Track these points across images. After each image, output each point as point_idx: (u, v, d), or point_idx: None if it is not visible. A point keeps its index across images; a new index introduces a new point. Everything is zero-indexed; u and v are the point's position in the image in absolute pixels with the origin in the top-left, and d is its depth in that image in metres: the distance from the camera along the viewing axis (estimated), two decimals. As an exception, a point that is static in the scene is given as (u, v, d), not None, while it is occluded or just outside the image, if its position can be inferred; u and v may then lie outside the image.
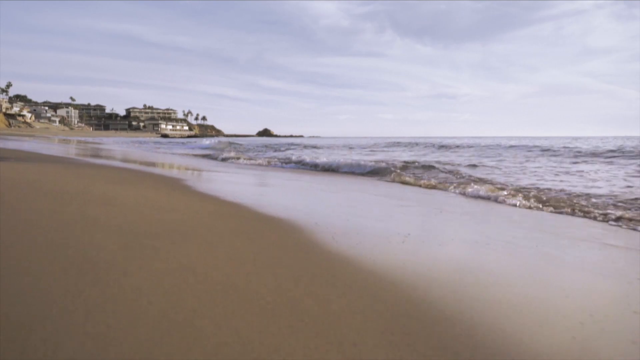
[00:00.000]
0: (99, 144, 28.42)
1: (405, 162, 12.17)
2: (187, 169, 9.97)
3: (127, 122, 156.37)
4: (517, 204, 5.49)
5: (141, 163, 10.43)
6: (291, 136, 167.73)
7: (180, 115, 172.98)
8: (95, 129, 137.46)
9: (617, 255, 2.99)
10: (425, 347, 1.36)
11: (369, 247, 2.74)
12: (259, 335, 1.32)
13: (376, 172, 10.35)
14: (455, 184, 7.52)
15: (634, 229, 4.02)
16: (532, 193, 6.38)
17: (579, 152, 17.13)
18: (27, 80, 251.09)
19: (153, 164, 10.49)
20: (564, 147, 20.48)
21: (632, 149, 16.92)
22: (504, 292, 1.99)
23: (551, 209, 5.15)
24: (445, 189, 7.00)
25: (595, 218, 4.58)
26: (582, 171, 10.81)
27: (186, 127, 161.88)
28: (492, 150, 20.97)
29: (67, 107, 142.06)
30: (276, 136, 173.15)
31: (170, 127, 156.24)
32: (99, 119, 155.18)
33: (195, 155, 18.13)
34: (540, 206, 5.33)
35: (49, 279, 1.60)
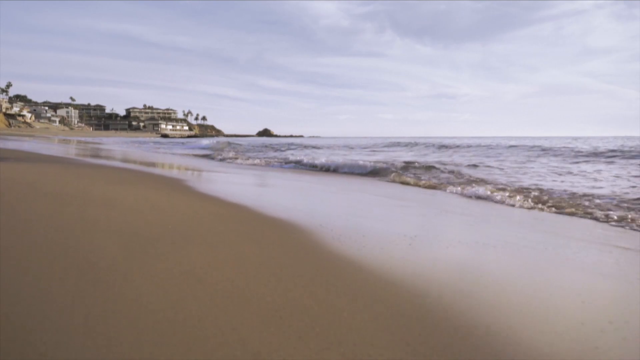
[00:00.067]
0: (98, 144, 28.35)
1: (405, 162, 12.11)
2: (186, 169, 9.92)
3: (127, 122, 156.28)
4: (521, 205, 5.43)
5: (141, 163, 10.37)
6: (291, 136, 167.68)
7: (180, 115, 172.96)
8: (95, 129, 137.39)
9: (630, 258, 2.93)
10: (444, 358, 1.31)
11: (376, 250, 2.67)
12: (266, 345, 1.26)
13: (377, 172, 10.29)
14: (456, 185, 7.47)
15: (644, 231, 3.97)
16: (535, 194, 6.33)
17: (580, 152, 17.07)
18: (27, 80, 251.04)
19: (153, 164, 10.44)
20: (565, 147, 20.43)
21: (631, 149, 16.86)
22: (520, 298, 1.93)
23: (555, 209, 5.10)
24: (447, 190, 6.94)
25: (599, 219, 4.53)
26: (585, 171, 10.76)
27: (186, 127, 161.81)
28: (493, 150, 20.91)
29: (67, 107, 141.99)
30: (276, 136, 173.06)
31: (170, 127, 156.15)
32: (99, 119, 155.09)
33: (195, 156, 18.07)
34: (544, 207, 5.28)
35: (48, 283, 1.53)
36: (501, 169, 11.47)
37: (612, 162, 13.44)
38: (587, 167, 11.98)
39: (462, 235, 3.45)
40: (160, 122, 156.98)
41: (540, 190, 6.79)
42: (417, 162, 12.32)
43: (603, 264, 2.71)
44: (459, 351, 1.34)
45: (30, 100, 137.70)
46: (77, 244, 2.07)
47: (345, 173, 10.84)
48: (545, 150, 18.76)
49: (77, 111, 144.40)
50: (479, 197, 6.12)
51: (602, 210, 5.05)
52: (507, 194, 6.31)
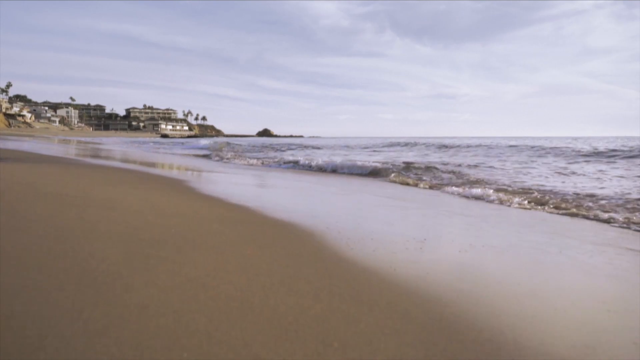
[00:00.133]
0: (98, 144, 28.28)
1: (406, 162, 12.05)
2: (186, 169, 9.85)
3: (127, 122, 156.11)
4: (524, 206, 5.38)
5: (141, 163, 10.31)
6: (291, 136, 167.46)
7: (180, 116, 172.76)
8: (95, 129, 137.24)
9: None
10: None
11: (387, 255, 2.59)
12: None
13: (377, 173, 10.22)
14: (458, 185, 7.41)
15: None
16: (538, 195, 6.27)
17: (581, 151, 17.02)
18: (27, 80, 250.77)
19: (153, 165, 10.38)
20: (566, 147, 20.37)
21: (631, 149, 16.79)
22: (542, 309, 1.83)
23: (560, 211, 5.04)
24: (449, 191, 6.88)
25: (604, 221, 4.48)
26: (587, 171, 10.70)
27: (186, 127, 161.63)
28: (494, 150, 20.86)
29: (67, 107, 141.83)
30: (276, 136, 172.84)
31: (170, 127, 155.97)
32: (99, 119, 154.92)
33: (195, 156, 18.01)
34: (549, 208, 5.22)
35: (47, 288, 1.44)
36: (503, 170, 11.41)
37: (614, 162, 13.39)
38: (589, 167, 11.92)
39: (472, 238, 3.37)
40: (160, 122, 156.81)
41: (544, 191, 6.72)
42: (418, 163, 12.26)
43: (621, 269, 2.61)
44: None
45: (30, 100, 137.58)
46: (77, 248, 1.99)
47: (345, 173, 10.77)
48: (546, 150, 18.71)
49: (77, 111, 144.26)
50: (482, 198, 6.06)
51: (607, 211, 5.00)
52: (510, 195, 6.26)
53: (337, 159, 15.11)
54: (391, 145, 30.72)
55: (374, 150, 24.64)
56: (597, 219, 4.61)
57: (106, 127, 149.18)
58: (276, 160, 14.83)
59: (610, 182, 8.50)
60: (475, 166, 12.19)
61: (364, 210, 4.74)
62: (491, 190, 6.53)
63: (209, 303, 1.50)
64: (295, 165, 12.75)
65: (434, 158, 16.60)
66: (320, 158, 14.56)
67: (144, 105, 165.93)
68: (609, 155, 15.37)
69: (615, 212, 4.97)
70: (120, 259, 1.90)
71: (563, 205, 5.38)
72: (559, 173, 10.38)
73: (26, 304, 1.35)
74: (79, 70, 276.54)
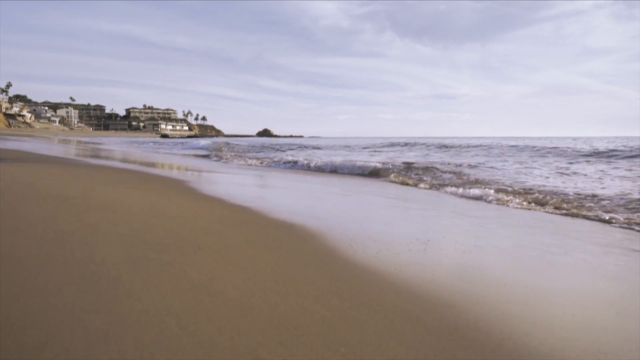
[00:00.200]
0: (98, 144, 28.23)
1: (407, 162, 12.01)
2: (187, 169, 9.82)
3: (127, 122, 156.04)
4: (526, 207, 5.35)
5: (141, 164, 10.28)
6: (291, 136, 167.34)
7: (180, 116, 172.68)
8: (95, 129, 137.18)
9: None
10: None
11: (391, 256, 2.55)
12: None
13: (377, 173, 10.19)
14: (459, 186, 7.38)
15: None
16: (540, 195, 6.25)
17: (581, 151, 16.98)
18: (27, 80, 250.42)
19: (153, 165, 10.35)
20: (568, 147, 20.34)
21: (632, 149, 16.75)
22: (551, 312, 1.79)
23: (562, 211, 5.02)
24: (450, 191, 6.85)
25: (606, 221, 4.45)
26: (589, 171, 10.67)
27: (186, 127, 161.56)
28: (494, 150, 20.81)
29: (67, 107, 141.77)
30: (276, 136, 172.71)
31: (170, 127, 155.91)
32: (99, 119, 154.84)
33: (194, 156, 17.99)
34: (551, 209, 5.19)
35: (43, 303, 1.41)
36: (503, 170, 11.37)
37: (615, 162, 13.35)
38: (590, 168, 11.89)
39: (475, 239, 3.34)
40: (160, 122, 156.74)
41: (545, 192, 6.69)
42: (419, 163, 12.23)
43: (628, 271, 2.58)
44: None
45: (30, 100, 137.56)
46: (77, 251, 1.96)
47: (345, 174, 10.74)
48: (547, 150, 18.67)
49: (77, 111, 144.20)
50: (483, 199, 6.02)
51: (609, 212, 4.98)
52: (511, 195, 6.23)
53: (338, 159, 15.08)
54: (391, 145, 30.66)
55: (375, 151, 24.59)
56: (599, 219, 4.58)
57: (106, 127, 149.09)
58: (275, 160, 14.79)
59: (612, 182, 8.47)
60: (476, 166, 12.15)
61: (365, 211, 4.71)
62: (492, 191, 6.50)
63: (213, 309, 1.46)
64: (294, 166, 12.71)
65: (435, 158, 16.56)
66: (320, 158, 14.53)
67: (144, 105, 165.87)
68: (610, 155, 15.33)
69: (617, 212, 4.94)
70: (121, 262, 1.86)
71: (565, 206, 5.36)
72: (560, 173, 10.34)
73: (25, 310, 1.31)
74: (79, 70, 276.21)
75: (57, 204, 3.29)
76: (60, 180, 5.08)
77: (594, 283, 2.36)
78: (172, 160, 13.87)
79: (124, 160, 11.24)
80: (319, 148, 29.01)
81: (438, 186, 7.58)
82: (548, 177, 9.43)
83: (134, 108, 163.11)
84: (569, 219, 4.61)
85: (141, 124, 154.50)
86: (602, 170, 10.86)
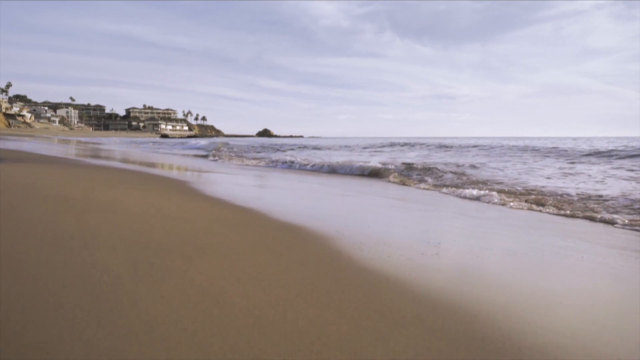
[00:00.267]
0: (98, 144, 28.15)
1: (408, 163, 11.94)
2: (187, 169, 9.75)
3: (127, 122, 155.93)
4: (534, 208, 5.27)
5: (141, 164, 10.20)
6: (291, 136, 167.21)
7: (180, 116, 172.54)
8: (95, 129, 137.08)
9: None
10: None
11: (404, 261, 2.46)
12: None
13: (379, 173, 10.12)
14: (461, 187, 7.31)
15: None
16: (545, 196, 6.18)
17: (583, 152, 16.91)
18: (27, 80, 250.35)
19: (153, 165, 10.27)
20: (568, 147, 20.27)
21: (634, 149, 16.68)
22: (582, 322, 1.70)
23: (568, 213, 4.94)
24: (453, 192, 6.77)
25: (612, 223, 4.38)
26: (591, 172, 10.60)
27: (186, 127, 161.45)
28: (495, 150, 20.75)
29: (67, 107, 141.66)
30: (276, 136, 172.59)
31: (170, 127, 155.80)
32: (99, 119, 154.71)
33: (194, 156, 17.93)
34: (557, 210, 5.12)
35: (41, 316, 1.31)
36: (505, 170, 11.30)
37: (617, 162, 13.29)
38: (592, 168, 11.82)
39: (486, 242, 3.26)
40: (160, 122, 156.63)
41: (549, 193, 6.63)
42: (420, 163, 12.15)
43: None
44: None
45: (30, 100, 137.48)
46: (78, 257, 1.87)
47: (345, 174, 10.67)
48: (548, 150, 18.60)
49: (76, 111, 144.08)
50: (486, 200, 5.95)
51: (615, 213, 4.92)
52: (516, 196, 6.16)
53: (338, 159, 15.00)
54: (391, 145, 30.59)
55: (375, 151, 24.52)
56: (607, 221, 4.51)
57: (106, 127, 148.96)
58: (274, 160, 14.71)
59: (615, 182, 8.40)
60: (477, 167, 12.08)
61: (371, 212, 4.63)
62: (495, 192, 6.44)
63: (222, 320, 1.37)
64: (294, 166, 12.63)
65: (435, 158, 16.48)
66: (320, 158, 14.44)
67: (144, 105, 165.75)
68: (611, 155, 15.27)
69: (623, 213, 4.88)
70: (124, 269, 1.76)
71: (570, 207, 5.29)
72: (563, 173, 10.27)
73: (22, 324, 1.22)
74: (79, 70, 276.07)
75: (57, 204, 3.21)
76: (60, 181, 5.00)
77: (618, 288, 2.25)
78: (172, 160, 13.80)
79: (124, 161, 11.16)
80: (318, 148, 28.92)
81: (440, 187, 7.50)
82: (550, 178, 9.36)
83: (134, 108, 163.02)
84: (576, 221, 4.54)
85: (141, 124, 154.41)
86: (604, 171, 10.79)
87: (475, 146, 24.08)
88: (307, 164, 12.51)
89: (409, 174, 9.89)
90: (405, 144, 30.40)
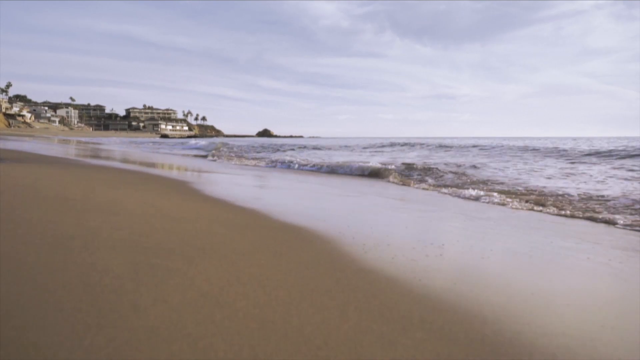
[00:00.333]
0: (98, 144, 28.12)
1: (408, 163, 11.91)
2: (187, 169, 9.73)
3: (127, 122, 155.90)
4: (531, 208, 5.24)
5: (141, 164, 10.18)
6: (291, 136, 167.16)
7: (180, 116, 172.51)
8: (95, 129, 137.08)
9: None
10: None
11: (408, 262, 2.43)
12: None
13: (379, 173, 10.10)
14: (462, 187, 7.29)
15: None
16: (546, 197, 6.16)
17: (584, 152, 16.89)
18: (27, 80, 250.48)
19: (153, 165, 10.25)
20: (569, 147, 20.25)
21: (633, 149, 16.66)
22: (594, 327, 1.66)
23: (569, 213, 4.92)
24: (454, 192, 6.75)
25: (615, 223, 4.35)
26: (592, 172, 10.58)
27: (186, 128, 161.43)
28: (495, 150, 20.73)
29: (67, 107, 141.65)
30: (276, 136, 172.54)
31: (170, 127, 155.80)
32: (99, 119, 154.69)
33: (194, 156, 17.91)
34: (559, 210, 5.09)
35: (40, 320, 1.28)
36: (505, 170, 11.29)
37: (617, 162, 13.27)
38: (593, 168, 11.81)
39: (489, 243, 3.24)
40: (160, 122, 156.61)
41: (550, 193, 6.61)
42: (420, 163, 12.13)
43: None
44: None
45: (30, 100, 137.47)
46: (78, 258, 1.84)
47: (345, 174, 10.65)
48: (549, 150, 18.59)
49: (76, 111, 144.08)
50: (488, 201, 5.92)
51: (619, 213, 4.90)
52: (517, 196, 6.14)
53: (338, 159, 14.98)
54: (392, 145, 30.57)
55: (375, 151, 24.50)
56: (609, 222, 4.49)
57: (106, 127, 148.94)
58: (274, 160, 14.69)
59: (617, 182, 8.38)
60: (478, 167, 12.06)
61: (372, 212, 4.61)
62: (496, 192, 6.42)
63: (226, 324, 1.33)
64: (294, 166, 12.61)
65: (436, 158, 16.46)
66: (320, 158, 14.41)
67: (144, 106, 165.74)
68: (611, 155, 15.26)
69: (625, 213, 4.86)
70: (125, 270, 1.73)
71: (572, 208, 5.27)
72: (563, 174, 10.25)
73: (20, 330, 1.18)
74: (79, 70, 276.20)
75: (56, 205, 3.18)
76: (60, 181, 4.98)
77: (630, 292, 2.22)
78: (171, 160, 13.78)
79: (124, 161, 11.14)
80: (318, 148, 28.89)
81: (440, 187, 7.48)
82: (551, 178, 9.35)
83: (133, 108, 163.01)
84: (577, 221, 4.51)
85: (141, 124, 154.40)
86: (604, 171, 10.77)
87: (475, 146, 24.06)
88: (307, 164, 12.50)
89: (409, 174, 9.87)
90: (405, 144, 30.37)
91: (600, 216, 4.72)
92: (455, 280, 2.13)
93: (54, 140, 31.37)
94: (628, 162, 12.99)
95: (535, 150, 19.39)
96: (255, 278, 1.84)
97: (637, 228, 4.13)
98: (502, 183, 8.08)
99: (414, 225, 3.93)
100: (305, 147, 30.97)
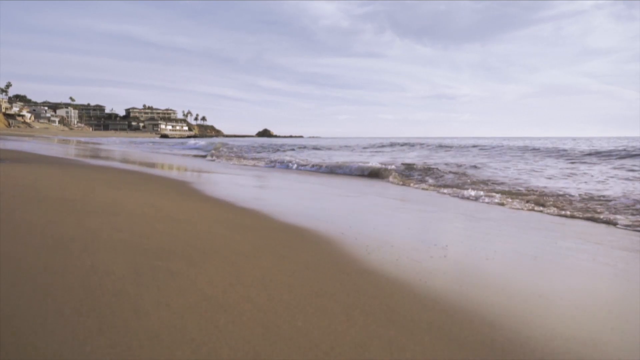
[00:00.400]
0: (97, 144, 28.08)
1: (409, 163, 11.89)
2: (187, 170, 9.71)
3: (127, 122, 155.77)
4: (532, 208, 5.22)
5: (141, 164, 10.15)
6: (291, 136, 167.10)
7: (180, 116, 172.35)
8: (95, 129, 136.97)
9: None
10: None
11: (412, 264, 2.39)
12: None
13: (379, 174, 10.07)
14: (462, 187, 7.27)
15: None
16: (547, 197, 6.14)
17: (584, 152, 16.86)
18: (27, 80, 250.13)
19: (153, 165, 10.23)
20: (569, 147, 20.23)
21: (633, 149, 16.63)
22: (603, 331, 1.62)
23: (570, 213, 4.89)
24: (454, 193, 6.72)
25: (617, 224, 4.33)
26: (593, 172, 10.55)
27: (186, 128, 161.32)
28: (495, 150, 20.70)
29: (67, 107, 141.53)
30: (276, 136, 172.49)
31: (170, 127, 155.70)
32: (99, 119, 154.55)
33: (193, 156, 17.88)
34: (561, 211, 5.07)
35: (40, 324, 1.24)
36: (506, 170, 11.27)
37: (618, 162, 13.25)
38: (594, 168, 11.79)
39: (492, 244, 3.21)
40: (159, 122, 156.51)
41: (551, 193, 6.59)
42: (421, 164, 12.11)
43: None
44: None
45: (29, 100, 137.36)
46: (78, 260, 1.81)
47: (345, 174, 10.63)
48: (549, 150, 18.56)
49: (76, 111, 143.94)
50: (489, 201, 5.90)
51: (619, 214, 4.87)
52: (518, 197, 6.12)
53: (338, 159, 14.95)
54: (392, 145, 30.54)
55: (375, 151, 24.47)
56: (612, 222, 4.46)
57: (106, 127, 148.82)
58: (273, 160, 14.67)
59: (618, 182, 8.36)
60: (478, 167, 12.04)
61: (373, 213, 4.58)
62: (497, 192, 6.40)
63: (229, 328, 1.30)
64: (294, 166, 12.58)
65: (436, 159, 16.43)
66: (320, 159, 14.38)
67: (144, 106, 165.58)
68: (612, 155, 15.24)
69: (626, 214, 4.84)
70: (126, 273, 1.70)
71: (573, 208, 5.24)
72: (564, 174, 10.23)
73: (19, 334, 1.15)
74: (79, 70, 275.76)
75: (56, 206, 3.15)
76: (60, 182, 4.95)
77: (634, 292, 2.19)
78: (171, 160, 13.75)
79: (124, 161, 11.11)
80: (318, 148, 28.86)
81: (440, 187, 7.45)
82: (551, 178, 9.32)
83: (133, 108, 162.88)
84: (578, 222, 4.49)
85: (141, 124, 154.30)
86: (605, 171, 10.75)
87: (475, 146, 24.03)
88: (307, 164, 12.47)
89: (409, 174, 9.85)
90: (405, 144, 30.34)
91: (601, 216, 4.69)
92: (461, 283, 2.10)
93: (54, 140, 31.33)
94: (628, 162, 12.96)
95: (535, 150, 19.37)
96: (258, 280, 1.80)
97: (638, 228, 4.11)
98: (502, 183, 8.06)
99: (416, 226, 3.90)
100: (305, 147, 30.92)
